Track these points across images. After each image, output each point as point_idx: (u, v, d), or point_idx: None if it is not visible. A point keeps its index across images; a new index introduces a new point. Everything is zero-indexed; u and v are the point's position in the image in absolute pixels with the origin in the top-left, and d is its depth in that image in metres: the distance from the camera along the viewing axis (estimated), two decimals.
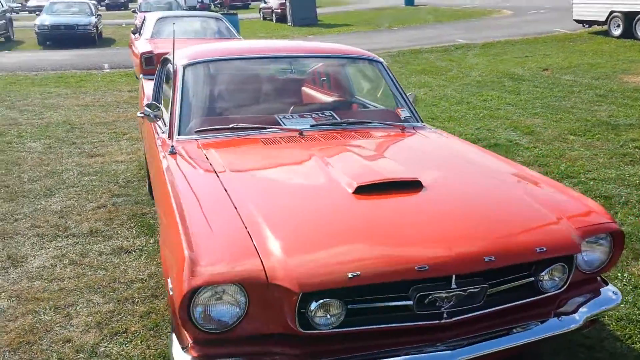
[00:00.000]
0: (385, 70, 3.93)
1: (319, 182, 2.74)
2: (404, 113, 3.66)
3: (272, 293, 2.02)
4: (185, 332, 2.08)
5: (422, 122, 3.73)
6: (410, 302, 2.14)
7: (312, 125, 3.43)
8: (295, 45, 4.98)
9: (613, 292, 2.59)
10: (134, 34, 12.54)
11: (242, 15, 25.18)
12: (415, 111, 3.75)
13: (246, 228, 2.26)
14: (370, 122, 3.55)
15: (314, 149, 3.07)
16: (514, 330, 2.30)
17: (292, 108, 3.74)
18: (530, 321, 2.35)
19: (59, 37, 20.00)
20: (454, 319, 2.22)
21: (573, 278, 2.40)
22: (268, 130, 3.36)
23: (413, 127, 3.61)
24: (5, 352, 3.26)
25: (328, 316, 2.10)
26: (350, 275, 2.05)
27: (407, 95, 3.86)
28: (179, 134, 3.41)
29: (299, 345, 2.12)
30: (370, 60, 4.00)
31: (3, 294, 3.95)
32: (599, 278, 2.64)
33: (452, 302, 2.20)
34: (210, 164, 2.97)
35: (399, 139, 3.48)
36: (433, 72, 12.94)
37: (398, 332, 2.20)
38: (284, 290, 2.01)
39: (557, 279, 2.39)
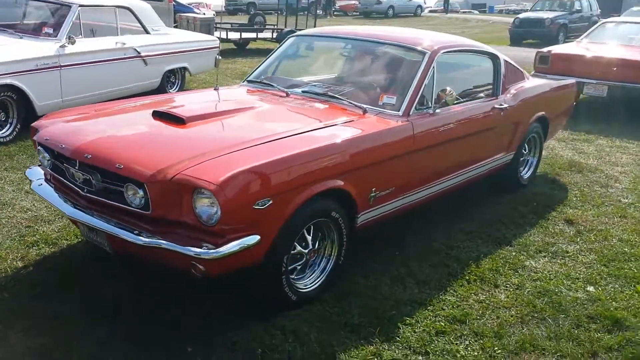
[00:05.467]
0: (424, 63, 3.96)
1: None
2: (387, 100, 3.84)
3: None
4: None
5: (407, 116, 3.74)
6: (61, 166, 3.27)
7: (303, 91, 4.14)
8: (363, 31, 4.93)
9: (212, 249, 2.73)
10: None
11: None
12: (409, 104, 3.77)
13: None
14: (340, 99, 3.90)
15: (254, 99, 4.02)
16: (115, 223, 2.98)
17: (323, 79, 4.52)
18: (129, 226, 2.95)
19: None
20: (86, 194, 3.11)
21: (173, 216, 2.83)
22: (275, 88, 4.22)
23: (379, 114, 3.74)
24: None
25: (43, 159, 3.44)
26: (45, 138, 3.35)
27: (439, 90, 3.88)
28: (243, 81, 4.69)
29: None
30: (414, 50, 4.10)
31: None
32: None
33: (80, 180, 3.13)
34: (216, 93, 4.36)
35: (315, 110, 3.82)
36: None
37: (70, 187, 3.27)
38: None
39: (138, 198, 2.86)
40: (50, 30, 6.85)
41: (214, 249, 2.75)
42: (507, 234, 4.36)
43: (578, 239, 4.33)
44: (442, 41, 4.39)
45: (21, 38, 6.68)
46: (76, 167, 3.14)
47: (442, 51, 4.14)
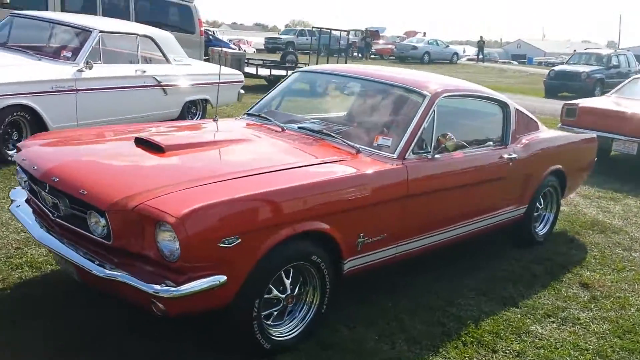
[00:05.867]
0: (424, 106, 3.75)
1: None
2: (383, 141, 3.63)
3: None
4: None
5: (403, 159, 3.51)
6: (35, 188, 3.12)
7: (299, 127, 3.92)
8: (368, 70, 4.75)
9: (172, 288, 2.50)
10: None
11: None
12: (405, 147, 3.55)
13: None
14: (335, 138, 3.68)
15: (246, 132, 3.86)
16: (83, 252, 2.77)
17: (323, 116, 4.35)
18: (94, 256, 2.75)
19: None
20: (55, 219, 2.95)
21: (139, 247, 2.61)
22: (272, 122, 4.02)
23: (372, 155, 3.52)
24: None
25: (21, 180, 3.35)
26: (22, 158, 3.25)
27: (439, 135, 3.68)
28: (244, 114, 4.48)
29: None
30: (414, 92, 3.90)
31: None
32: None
33: (49, 204, 2.99)
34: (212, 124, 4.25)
35: (307, 146, 3.62)
36: None
37: (43, 211, 3.09)
38: None
39: (100, 227, 2.68)
40: (69, 54, 6.87)
41: (174, 287, 2.53)
42: (515, 294, 4.01)
43: (592, 306, 3.96)
44: (446, 85, 4.18)
45: (40, 60, 6.71)
46: (46, 190, 2.98)
47: (445, 95, 3.93)
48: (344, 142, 3.64)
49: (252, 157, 3.40)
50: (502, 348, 3.30)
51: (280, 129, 3.93)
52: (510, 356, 3.24)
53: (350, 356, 3.07)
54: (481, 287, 4.06)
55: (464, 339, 3.35)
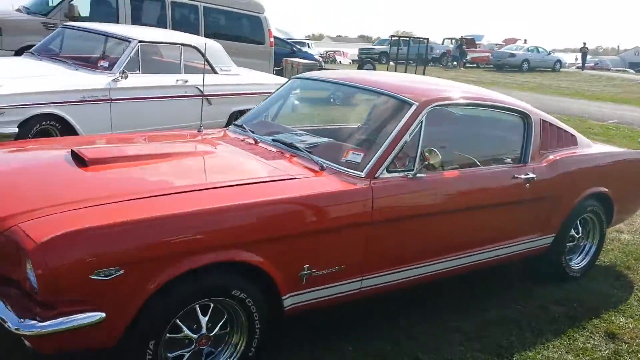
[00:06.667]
0: (407, 117, 3.23)
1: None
2: (352, 157, 3.19)
3: None
4: None
5: (372, 178, 3.02)
6: None
7: (273, 140, 3.53)
8: (363, 76, 4.27)
9: (37, 324, 2.19)
10: None
11: None
12: (376, 165, 3.06)
13: None
14: (304, 152, 3.24)
15: (210, 145, 3.58)
16: None
17: (308, 127, 4.05)
18: None
19: None
20: None
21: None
22: (252, 135, 3.61)
23: (337, 172, 3.06)
24: None
25: None
26: None
27: (423, 150, 3.12)
28: (232, 125, 4.07)
29: None
30: (400, 100, 3.38)
31: None
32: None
33: None
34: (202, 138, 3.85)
35: (271, 163, 3.19)
36: None
37: None
38: None
39: None
40: (106, 64, 6.92)
41: (40, 322, 2.22)
42: (516, 343, 3.35)
43: None
44: (443, 92, 3.59)
45: (76, 70, 6.80)
46: None
47: (437, 104, 3.35)
48: (310, 157, 3.21)
49: (188, 174, 3.04)
50: None
51: (253, 142, 3.57)
52: None
53: None
54: (476, 331, 3.43)
55: None
